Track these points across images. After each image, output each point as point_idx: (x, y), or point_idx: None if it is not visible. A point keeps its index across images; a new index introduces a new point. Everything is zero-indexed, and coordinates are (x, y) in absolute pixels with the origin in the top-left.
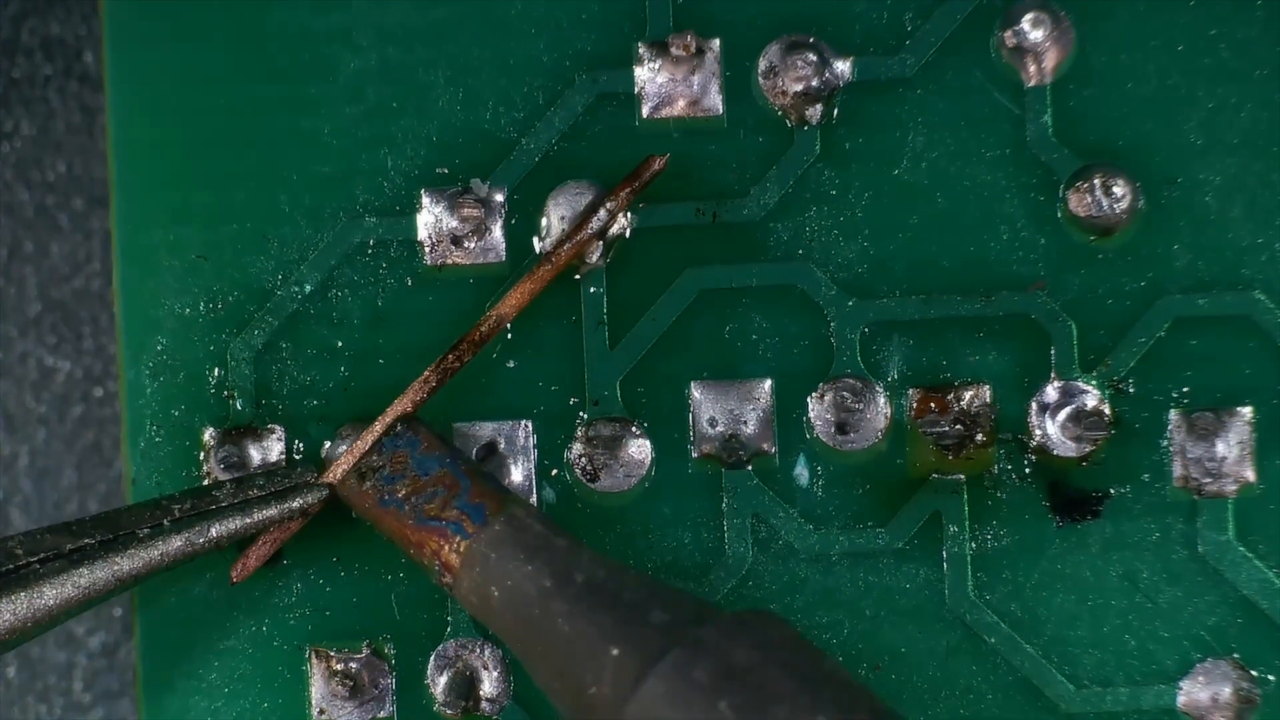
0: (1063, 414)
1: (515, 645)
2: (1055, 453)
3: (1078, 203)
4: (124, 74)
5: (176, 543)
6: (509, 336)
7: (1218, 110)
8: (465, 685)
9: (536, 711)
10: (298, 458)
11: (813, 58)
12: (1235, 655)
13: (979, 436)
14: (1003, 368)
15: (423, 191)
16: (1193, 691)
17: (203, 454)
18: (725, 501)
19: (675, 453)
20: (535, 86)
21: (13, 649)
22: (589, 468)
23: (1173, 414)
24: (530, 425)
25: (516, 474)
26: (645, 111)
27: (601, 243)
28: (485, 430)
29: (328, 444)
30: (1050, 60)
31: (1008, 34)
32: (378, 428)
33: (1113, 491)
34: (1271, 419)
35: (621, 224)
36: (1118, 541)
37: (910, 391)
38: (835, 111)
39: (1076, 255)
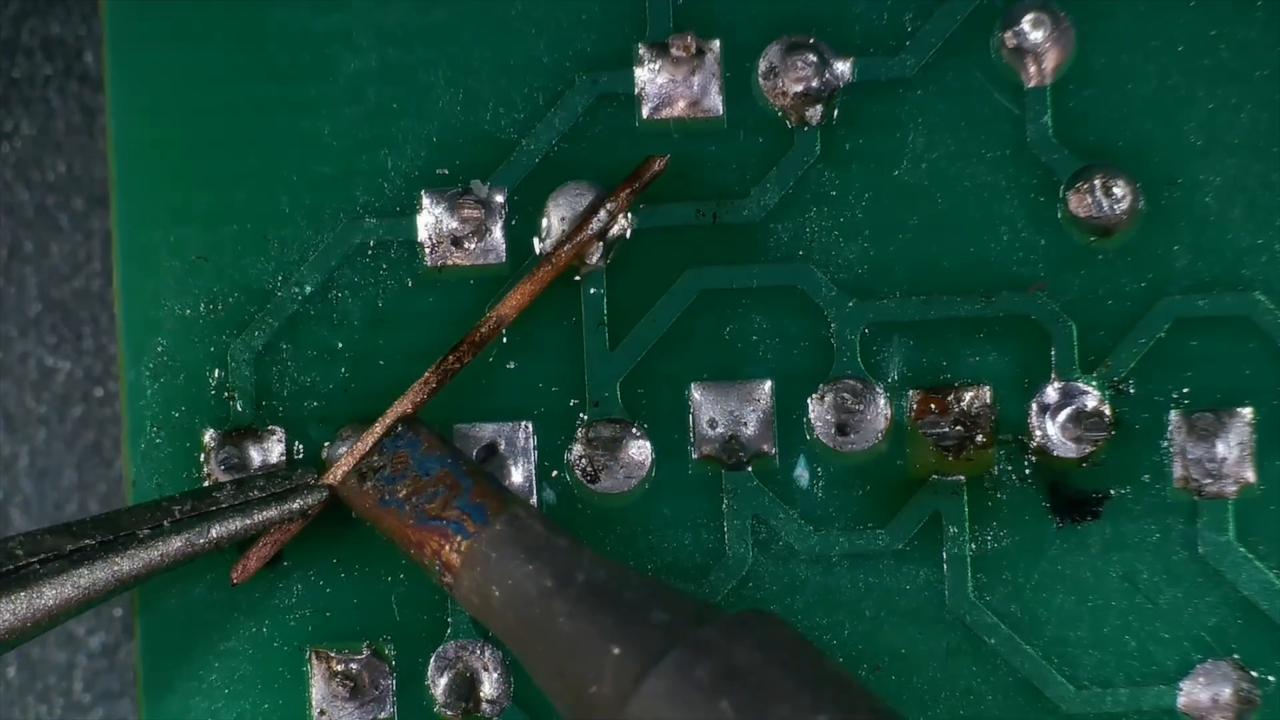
0: (1063, 415)
1: (515, 645)
2: (1055, 453)
3: (1078, 203)
4: (124, 74)
5: (176, 543)
6: (504, 340)
7: (1218, 111)
8: (465, 686)
9: (537, 713)
10: (298, 459)
11: (813, 58)
12: (1235, 656)
13: (979, 437)
14: (1003, 368)
15: (423, 192)
16: (1193, 692)
17: (203, 455)
18: (725, 502)
19: (675, 454)
20: (535, 87)
21: (12, 649)
22: (589, 469)
23: (1173, 415)
24: (530, 426)
25: (517, 475)
26: (645, 112)
27: (602, 244)
28: (486, 431)
29: (328, 445)
30: (1050, 61)
31: (1008, 35)
32: (378, 429)
33: (1113, 492)
34: (1272, 420)
35: (622, 225)
36: (1118, 542)
37: (910, 392)
38: (835, 112)
39: (1077, 256)
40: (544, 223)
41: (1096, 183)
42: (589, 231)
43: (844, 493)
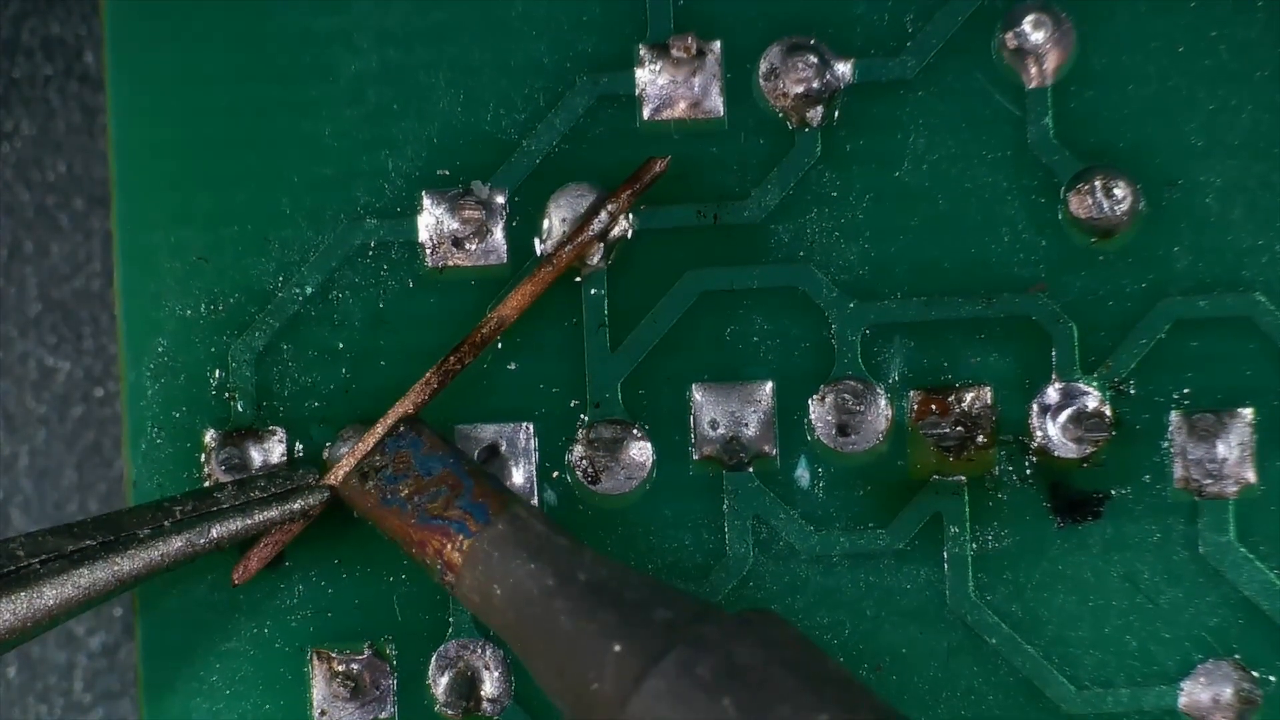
0: (1064, 415)
1: (516, 643)
2: (1056, 454)
3: (1079, 204)
4: (124, 75)
5: (177, 543)
6: (505, 341)
7: (1218, 112)
8: (466, 686)
9: (537, 712)
10: (299, 459)
11: (813, 60)
12: (1236, 656)
13: (980, 438)
14: (1004, 369)
15: (424, 193)
16: (1194, 692)
17: (204, 456)
18: (726, 503)
19: (676, 455)
20: (536, 88)
21: (13, 649)
22: (590, 470)
23: (1173, 415)
24: (531, 427)
25: (518, 476)
26: (646, 113)
27: (603, 245)
28: (487, 432)
29: (329, 446)
30: (1051, 62)
31: (1009, 36)
32: (379, 429)
33: (1114, 493)
34: (1272, 420)
35: (623, 226)
36: (1119, 542)
37: (911, 393)
38: (836, 113)
39: (1077, 257)
40: (545, 224)
41: (1097, 184)
42: (590, 232)
43: (845, 493)
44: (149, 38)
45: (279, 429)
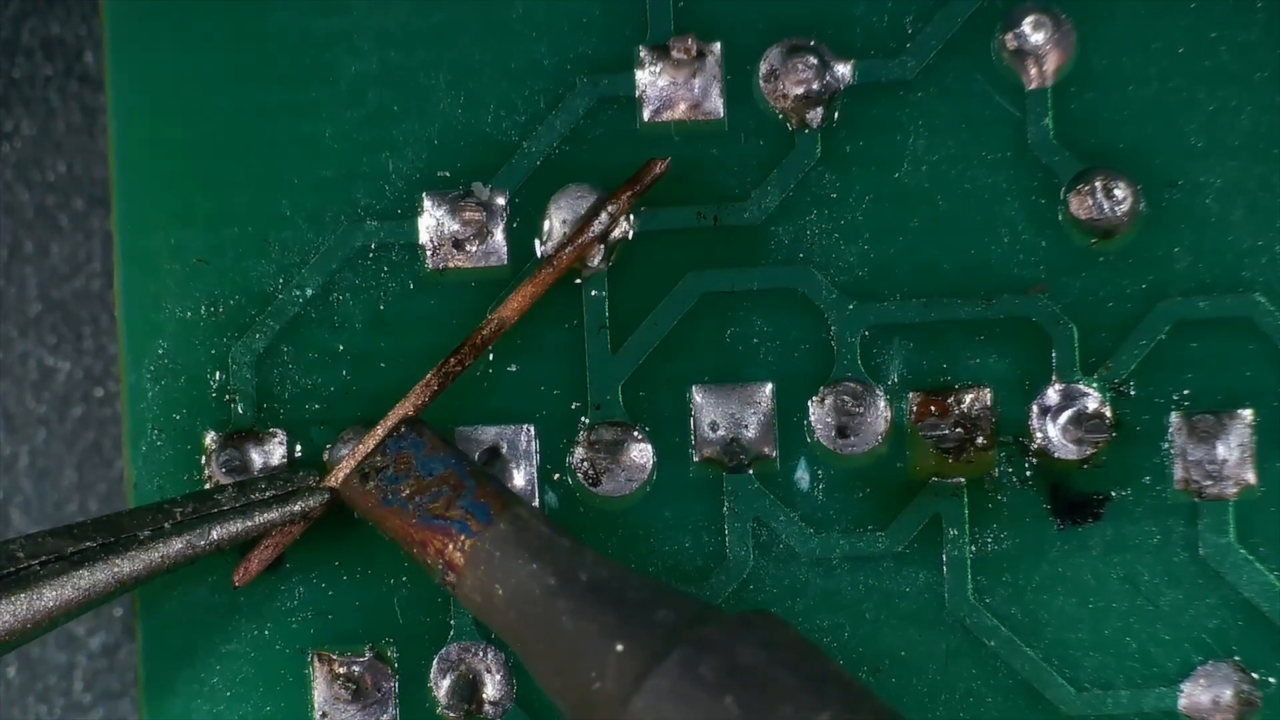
0: (1064, 417)
1: (517, 644)
2: (1056, 455)
3: (1079, 205)
4: (125, 76)
5: (177, 545)
6: (506, 343)
7: (1218, 113)
8: (468, 688)
9: (539, 715)
10: (299, 460)
11: (813, 61)
12: (1236, 658)
13: (979, 440)
14: (1003, 371)
15: (424, 195)
16: (1194, 694)
17: (204, 458)
18: (726, 505)
19: (676, 457)
20: (536, 90)
21: (13, 650)
22: (591, 472)
23: (1173, 416)
24: (532, 429)
25: (518, 478)
26: (646, 115)
27: (603, 246)
28: (487, 434)
29: (329, 447)
30: (1051, 63)
31: (1008, 37)
32: (380, 431)
33: (1113, 494)
34: (1272, 421)
35: (623, 227)
36: (1119, 544)
37: (911, 395)
38: (836, 115)
39: (1077, 258)
40: (545, 225)
41: (1097, 185)
42: (590, 234)
43: (844, 495)
44: (149, 38)
45: (279, 431)
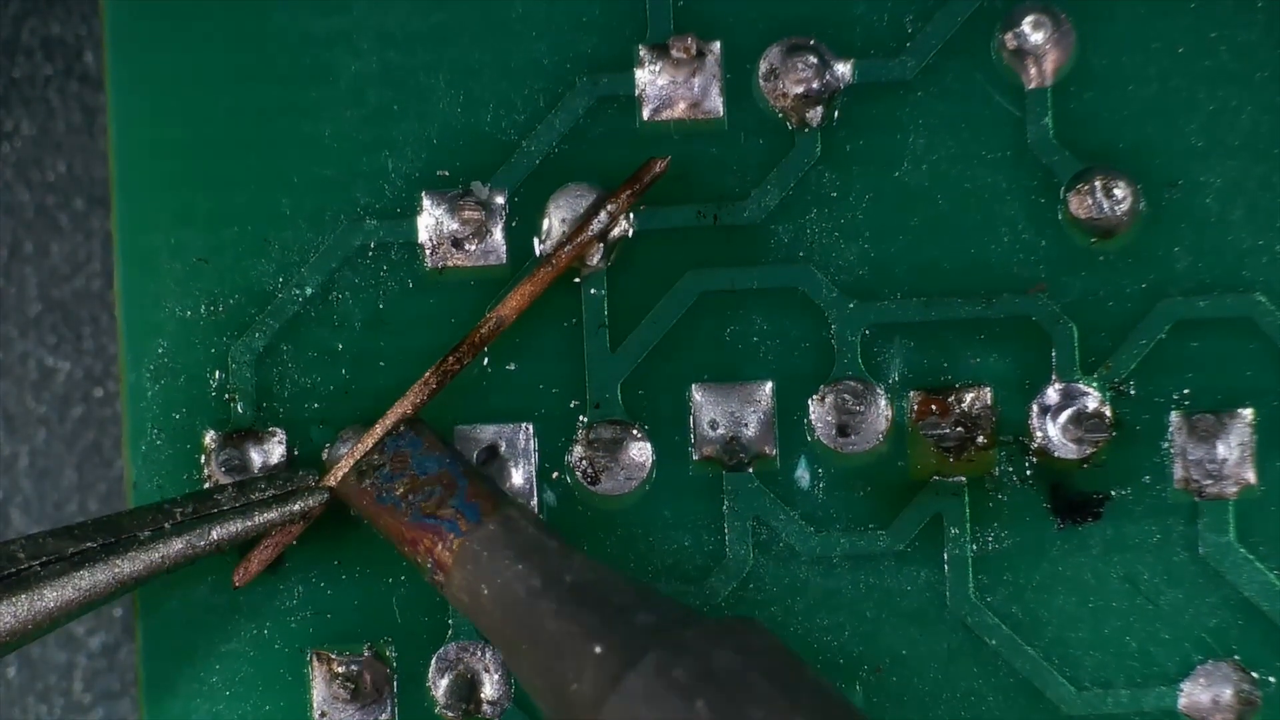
0: (1064, 416)
1: (502, 643)
2: (1056, 455)
3: (1078, 205)
4: (125, 76)
5: (177, 545)
6: (505, 342)
7: (1218, 113)
8: (466, 688)
9: (536, 715)
10: (297, 457)
11: (813, 60)
12: (1236, 657)
13: (980, 439)
14: (1004, 370)
15: (423, 194)
16: (1194, 693)
17: (204, 457)
18: (726, 504)
19: (676, 455)
20: (536, 89)
21: (14, 651)
22: (590, 470)
23: (1173, 416)
24: (531, 428)
25: (517, 477)
26: (646, 114)
27: (602, 245)
28: (486, 433)
29: (328, 447)
30: (1051, 62)
31: (1008, 36)
32: (378, 430)
33: (1114, 493)
34: (1272, 421)
35: (623, 226)
36: (1119, 543)
37: (911, 394)
38: (836, 114)
39: (1077, 257)
40: (544, 224)
41: (1097, 184)
42: (589, 233)
43: (845, 494)
44: (149, 38)
45: (279, 430)
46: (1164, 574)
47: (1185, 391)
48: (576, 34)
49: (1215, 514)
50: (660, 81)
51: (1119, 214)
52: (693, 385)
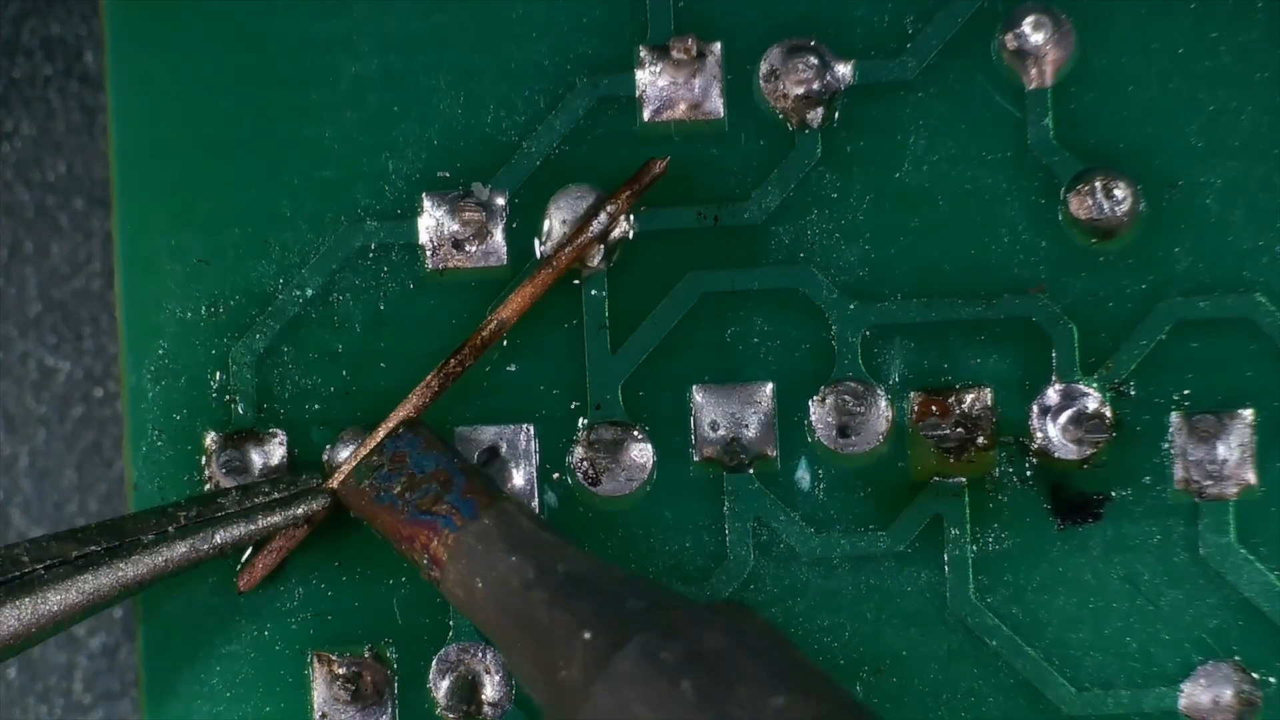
0: (1064, 417)
1: (496, 636)
2: (1056, 455)
3: (1079, 206)
4: (125, 78)
5: (181, 549)
6: (506, 343)
7: (1219, 113)
8: (467, 690)
9: (537, 716)
10: (298, 458)
11: (814, 61)
12: (1236, 658)
13: (980, 439)
14: (1004, 371)
15: (424, 195)
16: (1194, 694)
17: (204, 458)
18: (727, 505)
19: (677, 456)
20: (536, 90)
21: (18, 654)
22: (591, 471)
23: (1174, 417)
24: (532, 429)
25: (518, 478)
26: (646, 115)
27: (603, 246)
28: (487, 434)
29: (329, 449)
30: (1051, 63)
31: (1008, 37)
32: (380, 433)
33: (1114, 494)
34: (1272, 421)
35: (623, 227)
36: (1119, 544)
37: (911, 394)
38: (836, 115)
39: (1078, 258)
40: (545, 225)
41: (1097, 185)
42: (590, 234)
43: (845, 495)
44: (149, 38)
45: (279, 431)
46: (1164, 575)
47: (1185, 392)
48: (577, 35)
49: (1216, 515)
50: (661, 82)
51: (1119, 215)
52: (693, 386)
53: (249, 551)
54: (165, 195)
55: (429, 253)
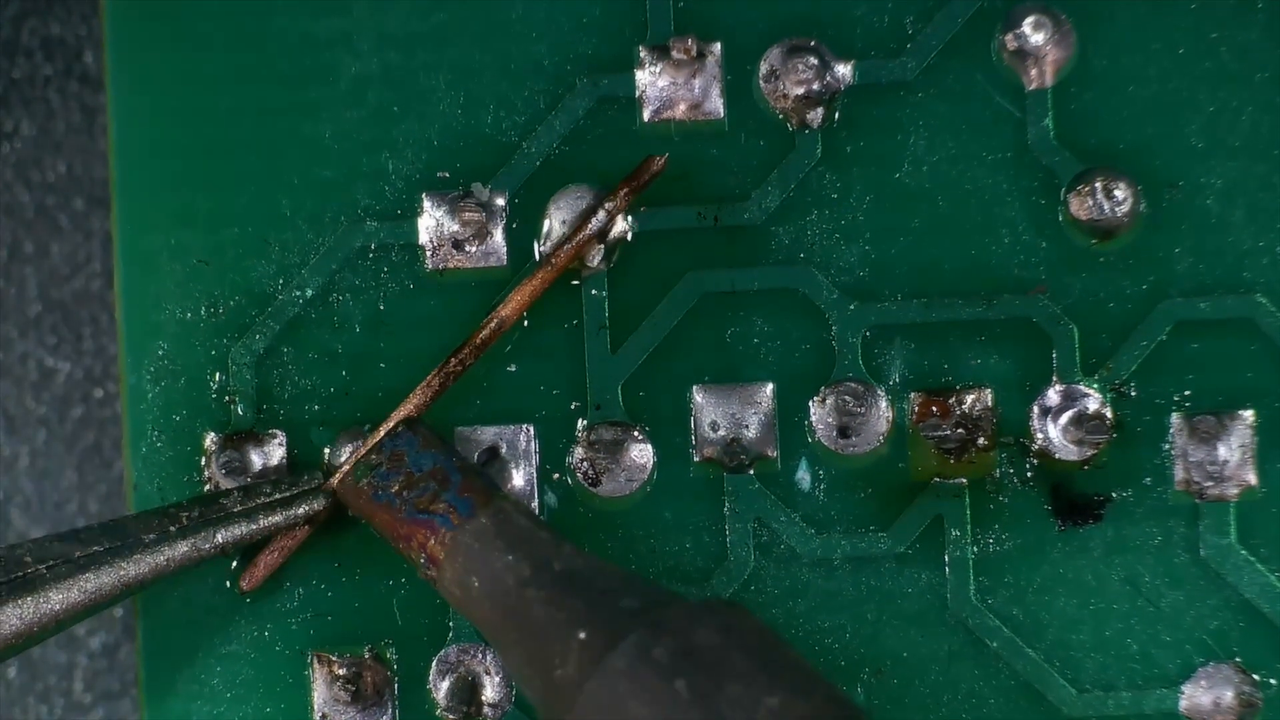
0: (1064, 417)
1: (492, 635)
2: (1057, 456)
3: (1079, 206)
4: (125, 77)
5: (182, 548)
6: (506, 343)
7: (1219, 114)
8: (467, 690)
9: (537, 717)
10: (298, 459)
11: (814, 61)
12: (1237, 659)
13: (981, 440)
14: (1004, 371)
15: (424, 195)
16: (1195, 695)
17: (204, 459)
18: (727, 505)
19: (677, 457)
20: (536, 90)
21: (20, 653)
22: (591, 472)
23: (1174, 417)
24: (532, 429)
25: (518, 478)
26: (646, 115)
27: (603, 246)
28: (487, 435)
29: (329, 450)
30: (1051, 63)
31: (1008, 37)
32: (380, 432)
33: (1114, 495)
34: (1273, 422)
35: (623, 227)
36: (1120, 545)
37: (912, 395)
38: (836, 115)
39: (1078, 259)
40: (545, 225)
41: (1098, 185)
42: (588, 232)
43: (846, 495)
44: (149, 38)
45: (279, 432)
46: (1165, 576)
47: (1186, 393)
48: (577, 35)
49: (1216, 516)
50: (661, 83)
51: (1119, 215)
52: (693, 387)
53: (252, 552)
54: (165, 195)
55: (429, 253)
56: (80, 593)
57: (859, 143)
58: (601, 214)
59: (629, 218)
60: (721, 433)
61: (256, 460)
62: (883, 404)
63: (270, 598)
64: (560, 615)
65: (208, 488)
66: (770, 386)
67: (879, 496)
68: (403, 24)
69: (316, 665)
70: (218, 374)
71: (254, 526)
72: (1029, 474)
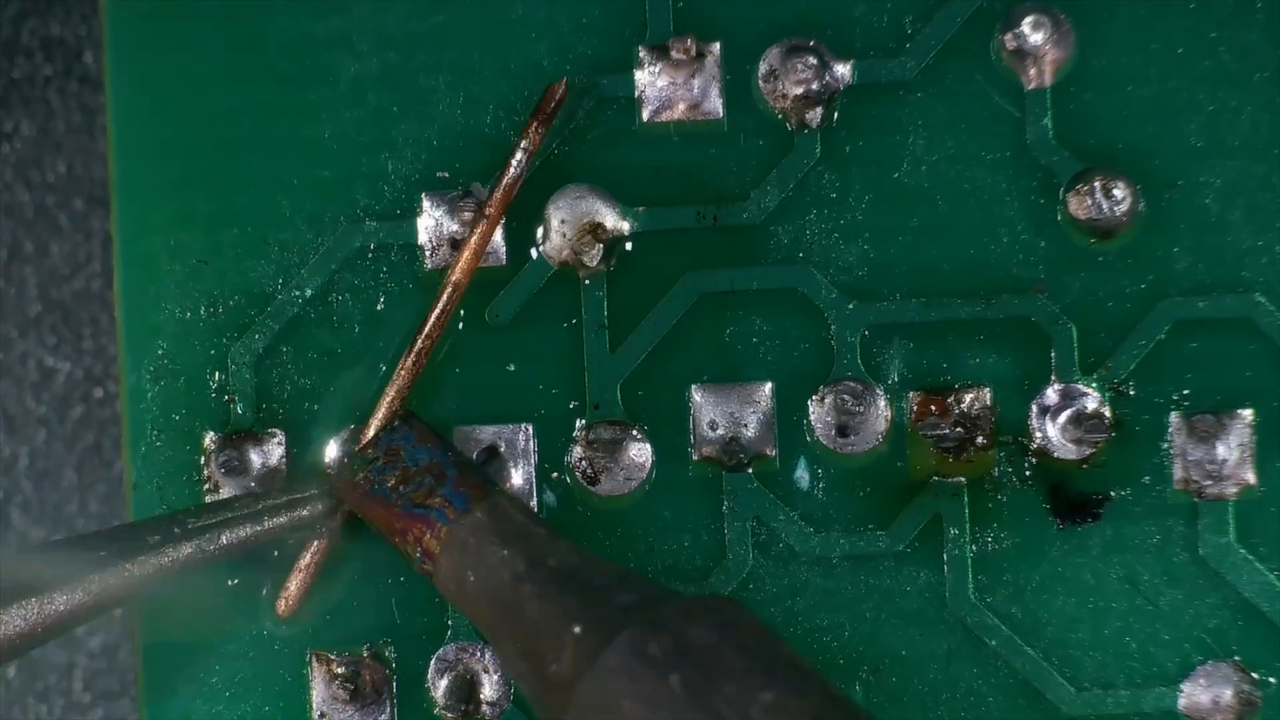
0: (1063, 417)
1: (487, 630)
2: (1056, 455)
3: (1078, 205)
4: (125, 78)
5: (187, 549)
6: (505, 343)
7: (1218, 113)
8: (466, 689)
9: (535, 716)
10: (296, 457)
11: (813, 61)
12: (1236, 658)
13: (979, 439)
14: (1003, 370)
15: (423, 195)
16: (1194, 694)
17: (203, 458)
18: (726, 504)
19: (676, 456)
20: (536, 91)
21: (24, 655)
22: (589, 471)
23: (1173, 416)
24: (531, 429)
25: (517, 477)
26: (645, 115)
27: (603, 247)
28: (486, 434)
29: (327, 451)
30: (1050, 63)
31: (1008, 37)
32: (373, 426)
33: (1113, 494)
34: (1272, 421)
35: (623, 228)
36: (1118, 544)
37: (910, 394)
38: (835, 115)
39: (1077, 258)
40: (544, 226)
41: (1096, 185)
42: (512, 175)
43: (845, 494)
44: (149, 38)
45: (279, 431)
46: (1164, 575)
47: (1185, 392)
48: (576, 35)
49: (1215, 515)
50: (660, 83)
51: (1118, 214)
52: (692, 386)
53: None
54: (165, 195)
55: (428, 253)
56: (84, 593)
57: (858, 142)
58: (520, 154)
59: (629, 218)
60: (720, 432)
61: (256, 460)
62: (881, 403)
63: (270, 597)
64: (555, 611)
65: (207, 487)
66: (769, 386)
67: (878, 495)
68: (402, 24)
69: (315, 664)
70: (217, 373)
71: (259, 528)
72: (1028, 473)
